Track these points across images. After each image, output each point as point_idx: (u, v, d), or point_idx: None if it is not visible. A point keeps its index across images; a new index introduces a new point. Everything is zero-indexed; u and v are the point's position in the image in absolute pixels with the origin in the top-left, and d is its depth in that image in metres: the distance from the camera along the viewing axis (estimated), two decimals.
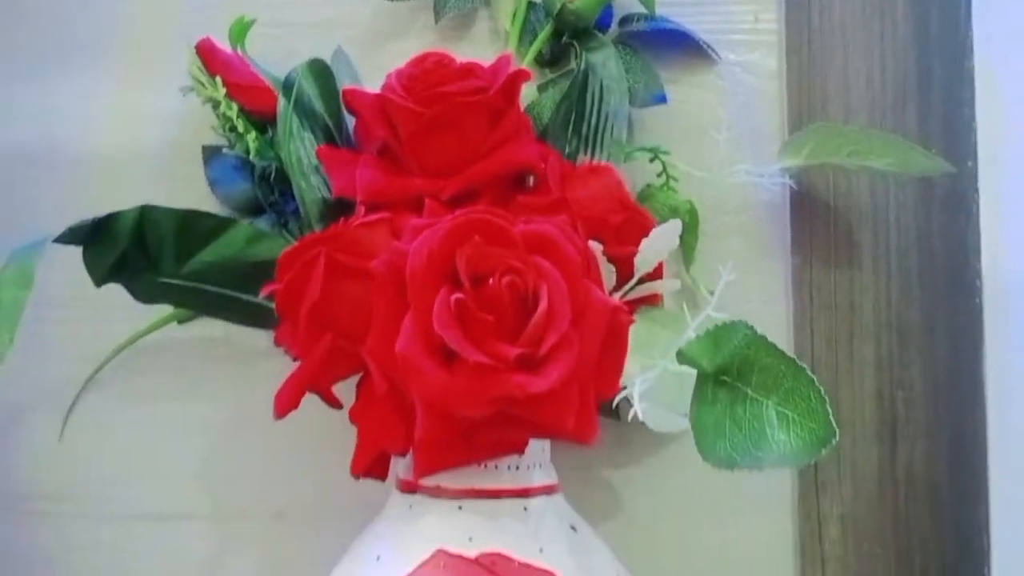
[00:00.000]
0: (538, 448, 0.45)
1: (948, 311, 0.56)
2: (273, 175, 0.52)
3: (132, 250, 0.46)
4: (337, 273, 0.41)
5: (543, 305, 0.38)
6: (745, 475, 0.56)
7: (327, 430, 0.52)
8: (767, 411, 0.35)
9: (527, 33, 0.55)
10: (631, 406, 0.39)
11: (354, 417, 0.43)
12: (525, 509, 0.44)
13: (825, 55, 0.57)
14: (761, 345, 0.36)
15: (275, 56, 0.53)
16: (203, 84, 0.51)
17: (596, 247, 0.43)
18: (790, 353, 0.54)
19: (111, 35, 0.58)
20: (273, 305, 0.43)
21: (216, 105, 0.52)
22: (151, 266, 0.46)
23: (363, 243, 0.42)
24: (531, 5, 0.54)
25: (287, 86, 0.50)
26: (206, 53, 0.52)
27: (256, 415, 0.54)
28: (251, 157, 0.52)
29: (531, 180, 0.48)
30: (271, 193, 0.53)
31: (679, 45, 0.56)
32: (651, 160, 0.53)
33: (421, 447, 0.39)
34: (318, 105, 0.50)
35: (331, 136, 0.50)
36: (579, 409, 0.39)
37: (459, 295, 0.38)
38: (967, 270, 0.56)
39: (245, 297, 0.47)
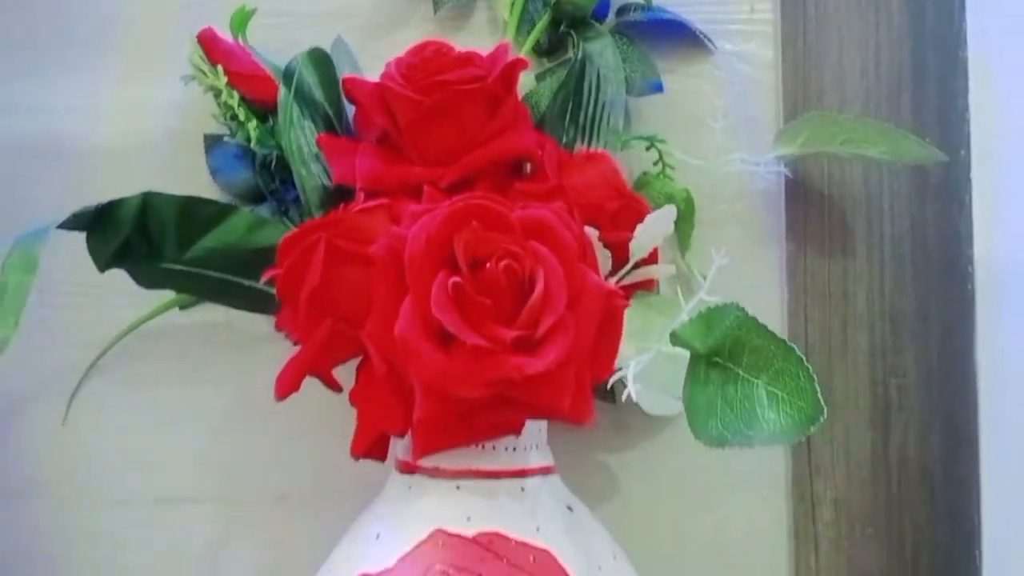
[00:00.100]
0: (535, 430, 0.46)
1: (941, 298, 0.57)
2: (274, 163, 0.52)
3: (135, 236, 0.46)
4: (337, 258, 0.42)
5: (539, 289, 0.39)
6: (740, 459, 0.57)
7: (328, 414, 0.52)
8: (757, 391, 0.36)
9: (525, 23, 0.55)
10: (625, 387, 0.40)
11: (354, 399, 0.43)
12: (522, 489, 0.44)
13: (820, 45, 0.57)
14: (752, 326, 0.37)
15: (276, 45, 0.54)
16: (205, 73, 0.52)
17: (592, 233, 0.44)
18: (784, 339, 0.55)
19: (113, 27, 0.58)
20: (274, 290, 0.43)
21: (218, 94, 0.52)
22: (153, 252, 0.47)
23: (362, 229, 0.42)
24: None
25: (288, 75, 0.50)
26: (208, 43, 0.52)
27: (258, 399, 0.55)
28: (252, 145, 0.52)
29: (528, 167, 0.49)
30: (272, 181, 0.53)
31: (676, 35, 0.57)
32: (647, 148, 0.54)
33: (420, 428, 0.40)
34: (318, 94, 0.51)
35: (331, 124, 0.51)
36: (575, 390, 0.39)
37: (457, 279, 0.39)
38: (960, 258, 0.57)
39: (246, 283, 0.47)
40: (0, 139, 0.58)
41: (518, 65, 0.47)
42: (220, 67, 0.52)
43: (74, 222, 0.45)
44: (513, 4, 0.55)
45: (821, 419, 0.34)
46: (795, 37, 0.57)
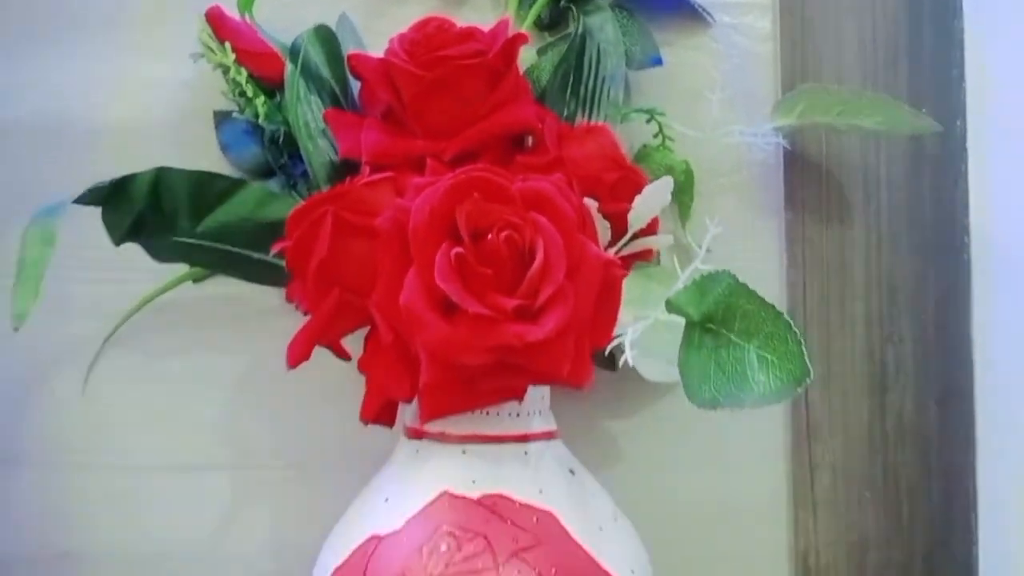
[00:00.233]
0: (537, 396, 0.47)
1: (937, 267, 0.58)
2: (282, 138, 0.53)
3: (148, 211, 0.46)
4: (344, 231, 0.43)
5: (539, 259, 0.40)
6: (739, 425, 0.58)
7: (338, 382, 0.53)
8: (748, 355, 0.37)
9: None
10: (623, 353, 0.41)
11: (363, 367, 0.44)
12: (525, 453, 0.46)
13: (818, 17, 0.58)
14: (743, 292, 0.38)
15: (282, 23, 0.54)
16: (213, 51, 0.52)
17: (591, 204, 0.45)
18: (783, 308, 0.56)
19: (123, 6, 0.59)
20: (283, 263, 0.44)
21: (226, 71, 0.52)
22: (167, 226, 0.47)
23: (368, 202, 0.43)
24: None
25: (294, 52, 0.51)
26: (216, 21, 0.52)
27: (270, 369, 0.56)
28: (260, 121, 0.53)
29: (530, 140, 0.50)
30: (280, 156, 0.54)
31: (674, 8, 0.57)
32: (647, 121, 0.54)
33: (425, 393, 0.41)
34: (324, 70, 0.52)
35: (337, 100, 0.52)
36: (574, 356, 0.40)
37: (459, 250, 0.40)
38: (956, 227, 0.58)
39: (256, 255, 0.48)
40: (15, 118, 0.58)
41: (518, 40, 0.47)
42: (228, 45, 0.52)
43: (90, 197, 0.45)
44: None
45: (808, 380, 0.35)
46: (792, 9, 0.58)
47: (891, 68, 0.57)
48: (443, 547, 0.42)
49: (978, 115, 0.58)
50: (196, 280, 0.56)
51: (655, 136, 0.55)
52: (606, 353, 0.43)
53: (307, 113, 0.50)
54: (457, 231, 0.40)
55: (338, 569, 0.45)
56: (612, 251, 0.46)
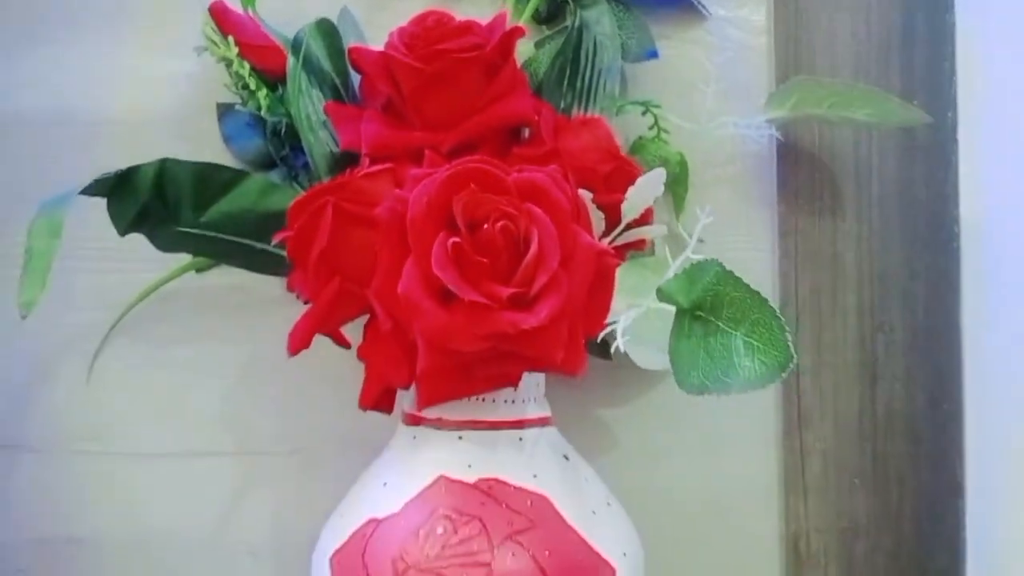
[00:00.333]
0: (532, 383, 0.48)
1: (927, 257, 0.58)
2: (284, 130, 0.53)
3: (153, 202, 0.47)
4: (344, 221, 0.43)
5: (534, 248, 0.41)
6: (732, 413, 0.59)
7: (338, 371, 0.54)
8: (735, 341, 0.38)
9: None
10: (614, 341, 0.42)
11: (362, 354, 0.45)
12: (520, 439, 0.47)
13: (811, 10, 0.58)
14: (730, 280, 0.39)
15: (284, 17, 0.55)
16: (217, 44, 0.53)
17: (586, 195, 0.45)
18: (776, 298, 0.57)
19: (127, 1, 0.59)
20: (285, 253, 0.45)
21: (229, 64, 0.53)
22: (171, 216, 0.48)
23: (367, 192, 0.44)
24: None
25: (296, 45, 0.52)
26: (219, 14, 0.53)
27: (272, 357, 0.57)
28: (263, 113, 0.53)
29: (527, 132, 0.50)
30: (282, 147, 0.54)
31: (670, 1, 0.58)
32: (643, 113, 0.55)
33: (423, 380, 0.42)
34: (325, 63, 0.52)
35: (338, 93, 0.52)
36: (568, 344, 0.41)
37: (456, 239, 0.41)
38: (946, 217, 0.58)
39: (259, 245, 0.49)
40: (22, 110, 0.59)
41: (515, 33, 0.48)
42: (231, 38, 0.53)
43: (95, 188, 0.46)
44: None
45: (791, 366, 0.36)
46: (787, 2, 0.59)
47: (883, 61, 0.58)
48: (439, 530, 0.43)
49: (969, 107, 0.58)
50: (199, 270, 0.57)
51: (650, 128, 0.56)
52: (599, 340, 0.44)
53: (308, 105, 0.51)
54: (454, 221, 0.41)
55: (337, 551, 0.46)
56: (606, 241, 0.47)
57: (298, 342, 0.45)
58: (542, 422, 0.48)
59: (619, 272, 0.44)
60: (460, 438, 0.46)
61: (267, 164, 0.56)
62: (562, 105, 0.52)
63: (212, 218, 0.48)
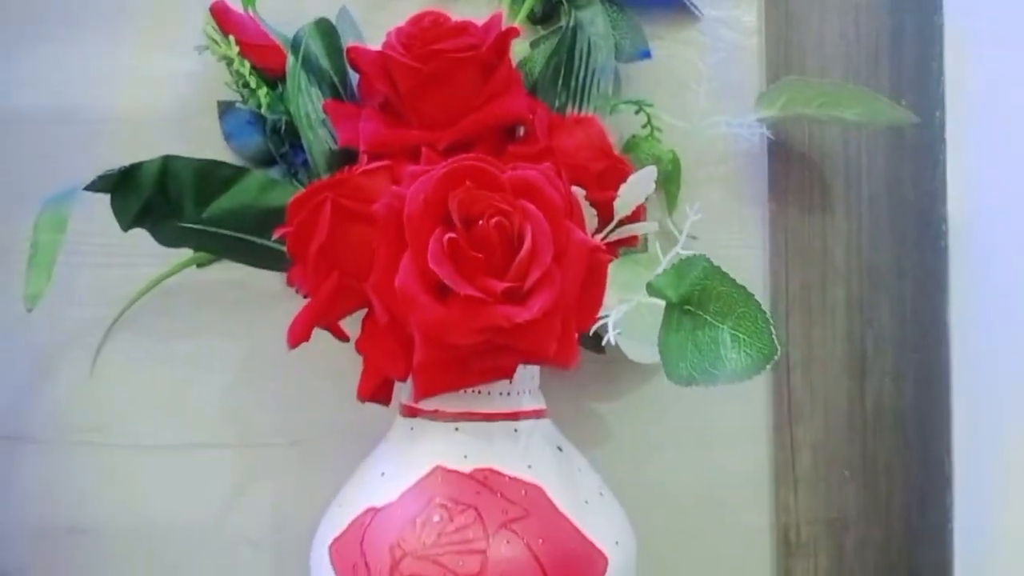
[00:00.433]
0: (527, 376, 0.49)
1: (916, 254, 0.59)
2: (283, 128, 0.54)
3: (155, 197, 0.48)
4: (342, 216, 0.44)
5: (528, 244, 0.41)
6: (724, 407, 0.60)
7: (336, 364, 0.55)
8: (722, 334, 0.39)
9: None
10: (606, 335, 0.43)
11: (360, 347, 0.46)
12: (515, 430, 0.47)
13: (802, 11, 0.59)
14: (717, 275, 0.40)
15: (284, 16, 0.55)
16: (217, 43, 0.54)
17: (579, 192, 0.46)
18: (766, 294, 0.58)
19: (130, 1, 0.60)
20: (284, 248, 0.46)
21: (230, 63, 0.54)
22: (173, 212, 0.48)
23: (365, 189, 0.45)
24: None
25: (295, 45, 0.52)
26: (220, 14, 0.54)
27: (271, 351, 0.58)
28: (263, 111, 0.54)
29: (521, 131, 0.51)
30: (282, 145, 0.55)
31: (663, 2, 0.59)
32: (636, 112, 0.56)
33: (419, 372, 0.43)
34: (324, 62, 0.53)
35: (337, 91, 0.53)
36: (560, 337, 0.42)
37: (452, 235, 0.41)
38: (934, 215, 0.59)
39: (259, 240, 0.49)
40: (25, 108, 0.60)
41: (510, 34, 0.49)
42: (232, 37, 0.54)
43: (99, 184, 0.47)
44: None
45: (776, 358, 0.37)
46: (777, 4, 0.59)
47: (872, 61, 0.59)
48: (436, 518, 0.44)
49: (957, 107, 0.59)
50: (200, 265, 0.57)
51: (643, 127, 0.56)
52: (591, 335, 0.45)
53: (308, 104, 0.52)
54: (450, 217, 0.42)
55: (336, 540, 0.47)
56: (599, 237, 0.48)
57: (297, 335, 0.46)
58: (536, 414, 0.49)
59: (612, 268, 0.45)
60: (456, 429, 0.47)
61: (267, 161, 0.57)
62: (556, 104, 0.53)
63: (213, 214, 0.49)
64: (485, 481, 0.45)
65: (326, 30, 0.53)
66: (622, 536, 0.48)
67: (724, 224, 0.59)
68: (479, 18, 0.50)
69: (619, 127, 0.56)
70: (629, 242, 0.49)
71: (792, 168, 0.59)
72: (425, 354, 0.42)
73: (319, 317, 0.46)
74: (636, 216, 0.49)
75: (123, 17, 0.60)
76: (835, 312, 0.59)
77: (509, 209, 0.42)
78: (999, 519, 0.61)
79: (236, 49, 0.54)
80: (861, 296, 0.59)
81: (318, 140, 0.52)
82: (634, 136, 0.57)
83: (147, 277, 0.57)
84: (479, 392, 0.47)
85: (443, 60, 0.47)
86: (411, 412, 0.49)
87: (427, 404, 0.47)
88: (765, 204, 0.60)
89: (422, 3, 0.58)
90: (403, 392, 0.49)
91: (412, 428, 0.48)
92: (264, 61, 0.54)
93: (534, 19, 0.58)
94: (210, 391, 0.60)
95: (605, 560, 0.46)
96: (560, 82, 0.53)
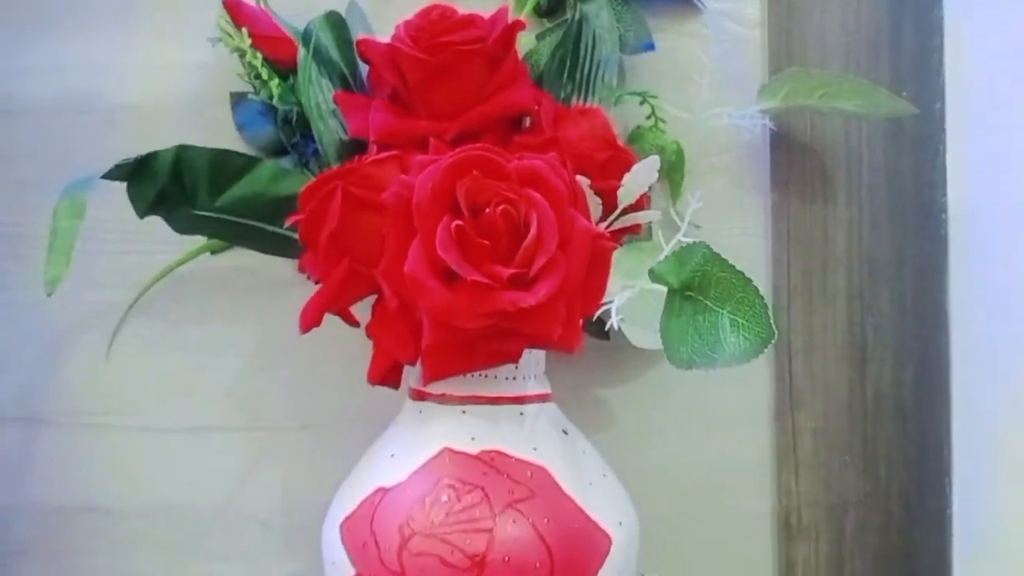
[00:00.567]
0: (533, 361, 0.50)
1: (915, 243, 0.60)
2: (295, 118, 0.55)
3: (170, 186, 0.49)
4: (352, 205, 0.45)
5: (533, 231, 0.42)
6: (726, 393, 0.61)
7: (347, 349, 0.56)
8: (722, 319, 0.40)
9: None
10: (609, 320, 0.44)
11: (370, 332, 0.47)
12: (521, 414, 0.49)
13: (803, 4, 0.60)
14: (717, 261, 0.40)
15: (295, 9, 0.56)
16: (230, 35, 0.54)
17: (583, 181, 0.47)
18: (768, 282, 0.59)
19: None
20: (296, 236, 0.47)
21: (242, 55, 0.55)
22: (187, 200, 0.49)
23: (375, 178, 0.45)
24: None
25: (306, 37, 0.53)
26: (233, 7, 0.55)
27: (283, 336, 0.59)
28: (274, 102, 0.55)
29: (527, 121, 0.52)
30: (293, 135, 0.56)
31: None
32: (640, 103, 0.57)
33: (428, 356, 0.44)
34: (334, 54, 0.53)
35: (347, 82, 0.54)
36: (565, 322, 0.43)
37: (459, 223, 0.42)
38: (934, 205, 0.60)
39: (271, 228, 0.50)
40: (44, 97, 0.61)
41: (516, 27, 0.49)
42: (244, 30, 0.54)
43: (116, 173, 0.48)
44: None
45: (773, 341, 0.38)
46: None
47: (873, 53, 0.60)
48: (444, 498, 0.45)
49: (956, 99, 0.60)
50: (214, 252, 0.58)
51: (648, 118, 0.57)
52: (594, 319, 0.46)
53: (318, 95, 0.52)
54: (457, 205, 0.43)
55: (347, 519, 0.48)
56: (603, 225, 0.48)
57: (309, 320, 0.47)
58: (542, 398, 0.50)
59: (616, 255, 0.46)
60: (464, 412, 0.48)
61: (279, 151, 0.57)
62: (562, 95, 0.53)
63: (227, 202, 0.50)
64: (492, 462, 0.46)
65: (336, 23, 0.54)
66: (625, 517, 0.49)
67: (727, 213, 0.60)
68: (486, 11, 0.51)
69: (624, 118, 0.57)
70: (633, 230, 0.50)
71: (794, 158, 0.60)
72: (433, 338, 0.43)
73: (330, 303, 0.47)
74: (639, 205, 0.50)
75: (138, 10, 0.61)
76: (836, 300, 0.60)
77: (515, 197, 0.43)
78: (996, 504, 0.62)
79: (248, 41, 0.54)
80: (862, 284, 0.60)
81: (328, 130, 0.53)
82: (638, 127, 0.58)
83: (162, 263, 0.58)
84: (486, 376, 0.48)
85: (451, 52, 0.48)
86: (420, 396, 0.50)
87: (435, 388, 0.48)
88: (767, 193, 0.61)
89: None
90: (412, 376, 0.50)
91: (421, 411, 0.49)
92: (276, 53, 0.55)
93: (540, 12, 0.58)
94: (223, 375, 0.61)
95: (609, 540, 0.47)
96: (565, 74, 0.53)
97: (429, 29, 0.49)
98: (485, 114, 0.49)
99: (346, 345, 0.54)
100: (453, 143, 0.47)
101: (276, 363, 0.61)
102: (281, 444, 0.61)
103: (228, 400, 0.61)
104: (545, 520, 0.45)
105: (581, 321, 0.44)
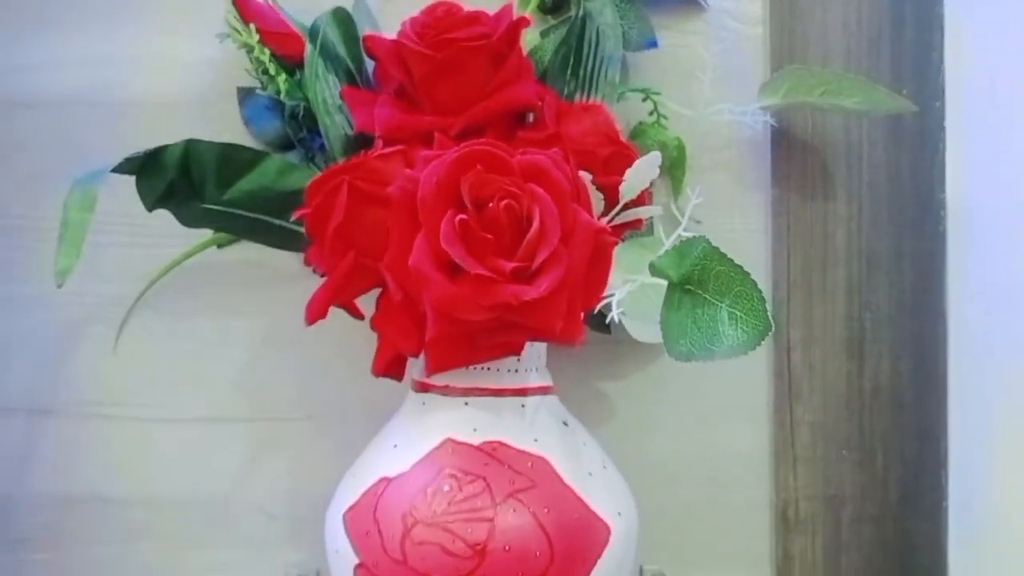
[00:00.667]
0: (534, 354, 0.50)
1: (914, 239, 0.60)
2: (301, 113, 0.55)
3: (178, 179, 0.49)
4: (358, 199, 0.46)
5: (536, 225, 0.43)
6: (725, 386, 0.61)
7: (351, 342, 0.57)
8: (720, 312, 0.40)
9: None
10: (610, 314, 0.44)
11: (375, 324, 0.47)
12: (523, 406, 0.49)
13: (805, 2, 0.60)
14: (716, 255, 0.41)
15: (302, 5, 0.56)
16: (238, 31, 0.55)
17: (586, 176, 0.47)
18: (768, 277, 0.60)
19: None
20: (302, 229, 0.47)
21: (250, 50, 0.55)
22: (195, 194, 0.50)
23: (380, 172, 0.46)
24: None
25: (313, 33, 0.53)
26: (241, 3, 0.55)
27: (288, 329, 0.60)
28: (282, 97, 0.55)
29: (531, 117, 0.52)
30: (300, 129, 0.56)
31: None
32: (643, 100, 0.57)
33: (431, 348, 0.44)
34: (341, 50, 0.54)
35: (353, 78, 0.54)
36: (567, 315, 0.43)
37: (463, 217, 0.43)
38: (932, 201, 0.60)
39: (278, 222, 0.51)
40: (54, 91, 0.61)
41: (520, 24, 0.50)
42: (252, 25, 0.55)
43: (125, 166, 0.48)
44: None
45: (770, 334, 0.39)
46: None
47: (874, 51, 0.60)
48: (446, 487, 0.46)
49: (956, 97, 0.60)
50: (221, 245, 0.59)
51: (650, 114, 0.58)
52: (595, 312, 0.46)
53: (325, 90, 0.53)
54: (461, 200, 0.44)
55: (351, 508, 0.48)
56: (604, 220, 0.49)
57: (315, 313, 0.47)
58: (543, 391, 0.51)
59: (617, 250, 0.46)
60: (466, 404, 0.49)
61: (285, 145, 0.58)
62: (565, 92, 0.54)
63: (234, 196, 0.50)
64: (493, 453, 0.47)
65: (343, 19, 0.54)
66: (624, 508, 0.50)
67: (728, 209, 0.61)
68: (491, 8, 0.51)
69: (626, 114, 0.58)
70: (634, 225, 0.51)
71: (794, 155, 0.60)
72: (437, 330, 0.44)
73: (335, 295, 0.47)
74: (641, 200, 0.50)
75: (148, 5, 0.61)
76: (835, 294, 0.61)
77: (518, 192, 0.44)
78: (992, 496, 0.62)
79: (256, 37, 0.55)
80: (860, 279, 0.60)
81: (335, 125, 0.53)
82: (641, 123, 0.58)
83: (170, 256, 0.59)
84: (488, 368, 0.49)
85: (456, 48, 0.48)
86: (423, 387, 0.50)
87: (438, 379, 0.49)
88: (768, 189, 0.61)
89: None
90: (415, 368, 0.51)
91: (424, 403, 0.50)
92: (283, 49, 0.56)
93: (544, 9, 0.59)
94: (229, 367, 0.61)
95: (608, 530, 0.48)
96: (569, 70, 0.54)
97: (434, 25, 0.49)
98: (489, 109, 0.49)
99: (351, 337, 0.55)
100: (458, 138, 0.48)
101: (281, 355, 0.61)
102: (286, 435, 0.61)
103: (234, 392, 0.61)
104: (545, 510, 0.46)
105: (582, 314, 0.45)
